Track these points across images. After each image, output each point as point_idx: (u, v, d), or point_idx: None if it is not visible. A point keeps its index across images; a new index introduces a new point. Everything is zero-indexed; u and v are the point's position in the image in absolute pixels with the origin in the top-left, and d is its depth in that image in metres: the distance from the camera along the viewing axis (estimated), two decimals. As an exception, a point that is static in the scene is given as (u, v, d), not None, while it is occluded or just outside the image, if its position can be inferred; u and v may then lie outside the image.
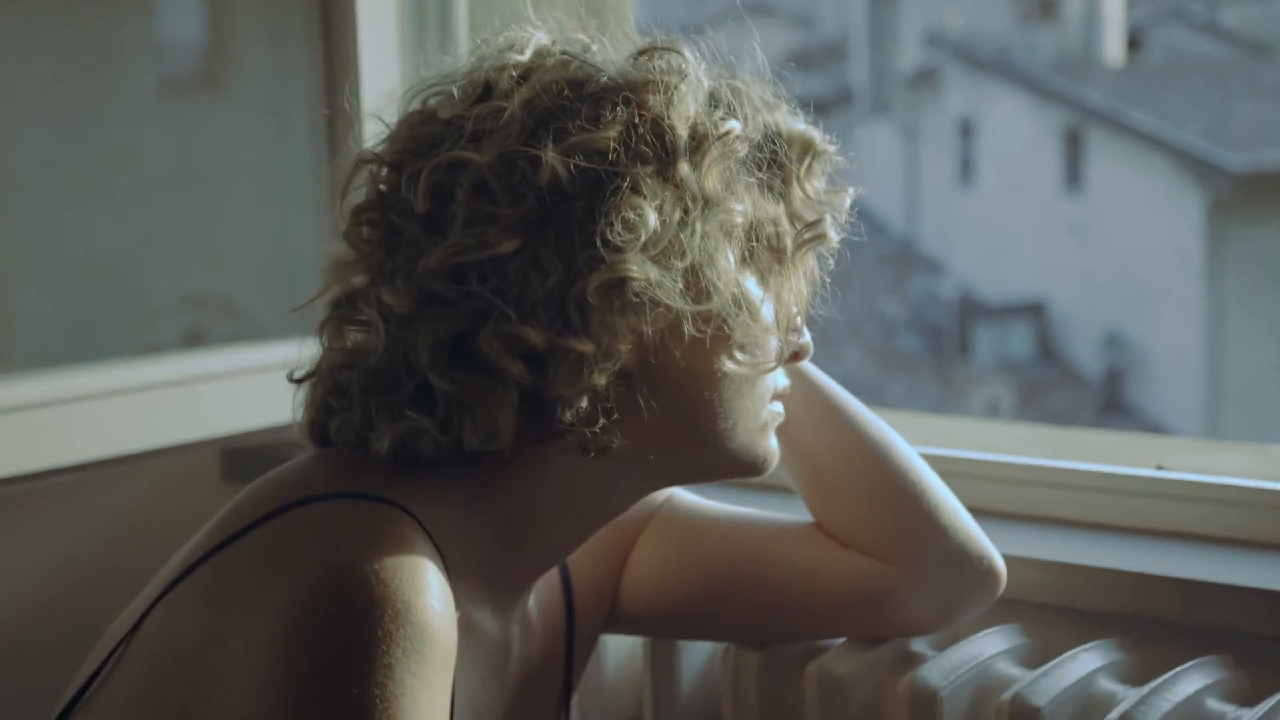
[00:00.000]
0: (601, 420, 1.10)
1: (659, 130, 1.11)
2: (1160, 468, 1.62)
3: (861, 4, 22.35)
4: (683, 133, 1.11)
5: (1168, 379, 16.45)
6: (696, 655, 1.52)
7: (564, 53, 1.15)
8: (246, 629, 0.98)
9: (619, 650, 1.58)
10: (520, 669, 1.26)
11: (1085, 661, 1.37)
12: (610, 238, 1.07)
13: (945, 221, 19.28)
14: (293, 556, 1.00)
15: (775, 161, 1.17)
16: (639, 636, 1.48)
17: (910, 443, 1.73)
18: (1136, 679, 1.38)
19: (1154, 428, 16.15)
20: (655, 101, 1.11)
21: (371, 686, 0.95)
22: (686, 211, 1.10)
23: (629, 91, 1.12)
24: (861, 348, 17.92)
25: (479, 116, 1.11)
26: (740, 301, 1.12)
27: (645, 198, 1.08)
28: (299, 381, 1.19)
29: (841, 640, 1.41)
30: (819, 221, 1.19)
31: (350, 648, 0.95)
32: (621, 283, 1.07)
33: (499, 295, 1.07)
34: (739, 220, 1.13)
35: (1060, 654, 1.38)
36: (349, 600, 0.96)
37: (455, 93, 1.14)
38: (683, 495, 1.41)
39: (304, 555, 1.00)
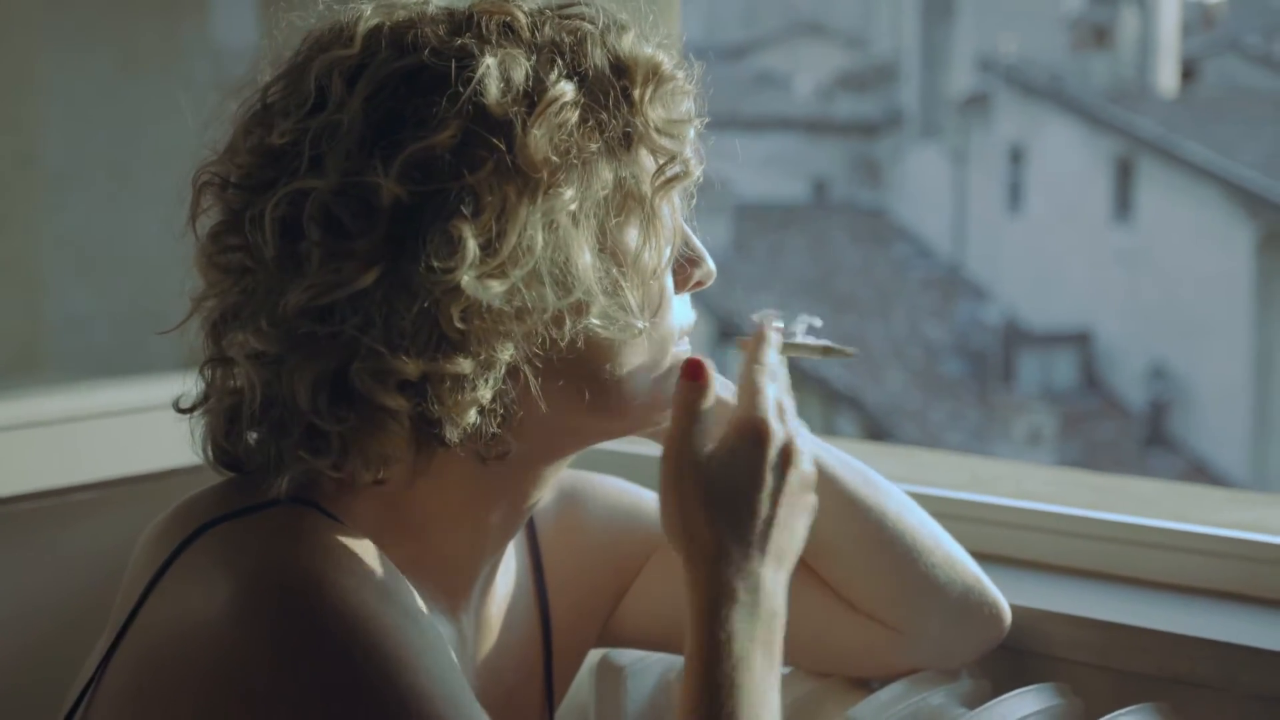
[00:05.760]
0: (493, 430, 1.07)
1: (488, 119, 1.04)
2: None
3: (915, 27, 22.32)
4: (513, 115, 1.05)
5: (1213, 412, 16.32)
6: (644, 679, 1.50)
7: (393, 31, 1.08)
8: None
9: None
10: (489, 673, 1.24)
11: (1122, 727, 1.31)
12: (464, 258, 1.02)
13: (992, 247, 19.19)
14: (229, 570, 1.03)
15: (623, 92, 1.10)
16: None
17: (945, 486, 1.69)
18: (1176, 748, 1.32)
19: (1197, 461, 16.03)
20: (484, 81, 1.05)
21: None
22: (531, 207, 1.04)
23: (458, 69, 1.05)
24: (905, 371, 17.84)
25: (314, 135, 1.05)
26: (609, 273, 1.08)
27: (485, 212, 1.03)
28: (185, 412, 1.15)
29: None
30: (674, 159, 1.13)
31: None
32: (482, 301, 1.03)
33: (365, 330, 1.03)
34: (577, 202, 1.06)
35: (1097, 718, 1.32)
36: (284, 598, 1.00)
37: (287, 104, 1.07)
38: None
39: (240, 568, 1.03)
